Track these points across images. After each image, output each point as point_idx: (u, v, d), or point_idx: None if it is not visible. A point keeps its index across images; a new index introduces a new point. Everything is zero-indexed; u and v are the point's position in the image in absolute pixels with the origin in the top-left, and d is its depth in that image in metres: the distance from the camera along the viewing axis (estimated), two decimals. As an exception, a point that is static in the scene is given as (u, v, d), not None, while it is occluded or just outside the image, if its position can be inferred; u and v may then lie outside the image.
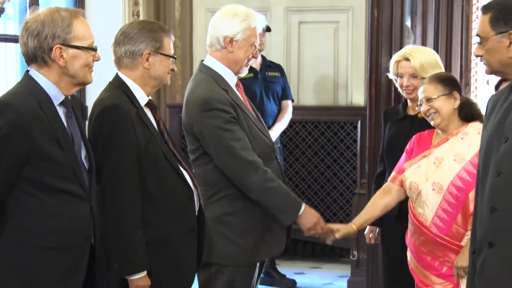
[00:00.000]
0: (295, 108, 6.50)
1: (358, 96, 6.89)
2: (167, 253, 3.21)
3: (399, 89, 4.15)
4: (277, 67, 6.33)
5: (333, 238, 3.72)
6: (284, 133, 6.50)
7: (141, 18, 7.01)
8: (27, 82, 2.89)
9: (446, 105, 3.62)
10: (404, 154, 3.79)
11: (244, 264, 3.61)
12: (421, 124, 3.89)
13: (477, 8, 6.63)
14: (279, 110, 6.23)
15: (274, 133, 6.03)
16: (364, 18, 6.82)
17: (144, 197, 3.14)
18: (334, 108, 7.05)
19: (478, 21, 6.53)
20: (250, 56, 3.68)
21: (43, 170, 2.79)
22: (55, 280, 2.83)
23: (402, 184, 3.71)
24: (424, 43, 6.62)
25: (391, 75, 4.16)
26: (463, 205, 3.50)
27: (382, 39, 6.66)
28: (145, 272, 3.13)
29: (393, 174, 3.79)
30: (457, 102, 3.63)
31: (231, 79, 3.65)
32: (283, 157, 6.56)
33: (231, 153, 3.49)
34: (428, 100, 3.61)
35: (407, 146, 3.81)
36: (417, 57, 4.00)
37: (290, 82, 6.70)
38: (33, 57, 2.88)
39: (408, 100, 4.14)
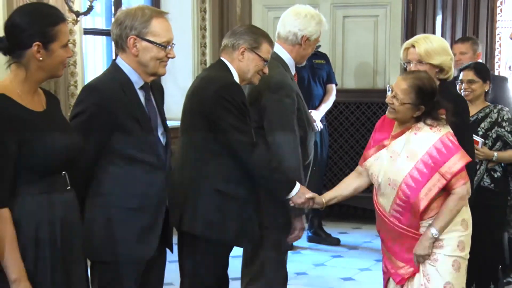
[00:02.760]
0: (339, 91, 6.49)
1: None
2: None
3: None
4: (323, 56, 6.32)
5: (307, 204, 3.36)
6: (329, 112, 6.51)
7: (207, 14, 7.05)
8: (113, 68, 2.94)
9: (407, 112, 3.18)
10: (371, 138, 3.46)
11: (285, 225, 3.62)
12: None
13: (501, 3, 6.55)
14: (325, 92, 6.24)
15: (320, 112, 6.08)
16: (400, 12, 6.78)
17: None
18: (374, 91, 6.99)
19: (502, 13, 6.50)
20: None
21: (125, 144, 2.84)
22: (136, 236, 2.88)
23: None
24: (453, 34, 6.59)
25: (402, 62, 3.77)
26: (413, 203, 3.12)
27: (417, 30, 6.65)
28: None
29: (361, 158, 3.46)
30: (418, 113, 3.19)
31: (292, 69, 3.66)
32: (329, 134, 6.57)
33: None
34: (395, 96, 3.20)
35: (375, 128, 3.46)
36: (422, 44, 3.59)
37: (335, 68, 6.70)
38: (116, 43, 2.93)
39: None
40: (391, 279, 3.33)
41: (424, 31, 6.58)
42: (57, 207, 2.56)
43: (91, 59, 6.52)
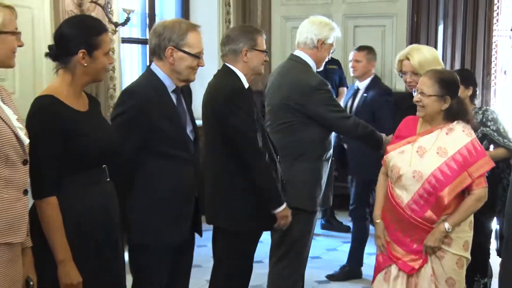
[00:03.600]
0: (350, 93, 6.48)
1: (400, 84, 6.73)
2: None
3: (405, 83, 3.70)
4: (335, 62, 6.32)
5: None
6: (341, 112, 6.48)
7: (231, 24, 7.06)
8: (149, 74, 2.95)
9: (434, 105, 3.09)
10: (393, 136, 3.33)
11: (313, 210, 3.67)
12: None
13: (497, 13, 6.51)
14: (337, 95, 6.21)
15: (333, 113, 6.08)
16: (405, 23, 6.75)
17: None
18: (382, 93, 6.96)
19: (498, 23, 6.45)
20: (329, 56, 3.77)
21: (160, 141, 2.85)
22: (170, 223, 2.91)
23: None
24: (454, 42, 6.55)
25: (397, 72, 3.71)
26: (439, 196, 3.02)
27: (420, 38, 6.61)
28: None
29: (384, 158, 3.29)
30: (446, 105, 3.09)
31: (315, 70, 3.71)
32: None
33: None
34: (422, 93, 3.10)
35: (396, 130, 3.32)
36: (416, 57, 3.52)
37: (346, 72, 6.63)
38: (153, 52, 2.94)
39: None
40: (393, 267, 3.17)
41: (427, 40, 6.54)
42: (98, 196, 2.60)
43: (128, 65, 6.56)
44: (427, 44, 6.38)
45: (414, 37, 6.64)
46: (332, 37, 3.69)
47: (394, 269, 3.17)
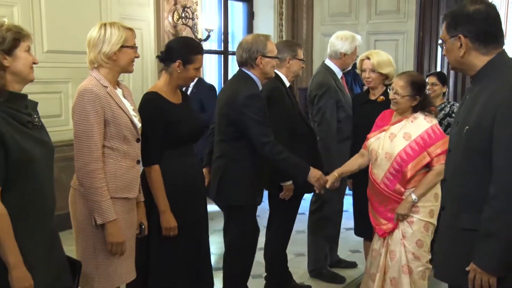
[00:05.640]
0: (371, 91, 6.36)
1: None
2: None
3: (363, 80, 3.37)
4: (362, 66, 6.20)
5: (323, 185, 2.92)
6: (364, 105, 6.38)
7: (284, 38, 6.99)
8: (249, 80, 2.83)
9: (406, 103, 2.85)
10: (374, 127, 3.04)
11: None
12: (380, 105, 3.18)
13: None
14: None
15: (358, 107, 5.99)
16: (413, 38, 6.54)
17: (290, 134, 3.07)
18: (394, 90, 6.82)
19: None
20: (353, 61, 3.66)
21: None
22: (257, 189, 2.90)
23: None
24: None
25: (358, 70, 3.41)
26: (404, 172, 2.80)
27: (425, 50, 6.42)
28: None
29: (365, 142, 3.02)
30: (415, 102, 2.86)
31: (339, 74, 3.61)
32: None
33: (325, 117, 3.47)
34: (396, 93, 2.86)
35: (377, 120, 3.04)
36: (375, 57, 3.25)
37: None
38: (244, 63, 2.86)
39: (370, 88, 3.38)
40: (375, 234, 2.99)
41: (430, 50, 6.35)
42: (187, 165, 2.63)
43: (208, 71, 6.56)
44: (430, 55, 6.22)
45: (420, 49, 6.45)
46: (353, 47, 3.56)
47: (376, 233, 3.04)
